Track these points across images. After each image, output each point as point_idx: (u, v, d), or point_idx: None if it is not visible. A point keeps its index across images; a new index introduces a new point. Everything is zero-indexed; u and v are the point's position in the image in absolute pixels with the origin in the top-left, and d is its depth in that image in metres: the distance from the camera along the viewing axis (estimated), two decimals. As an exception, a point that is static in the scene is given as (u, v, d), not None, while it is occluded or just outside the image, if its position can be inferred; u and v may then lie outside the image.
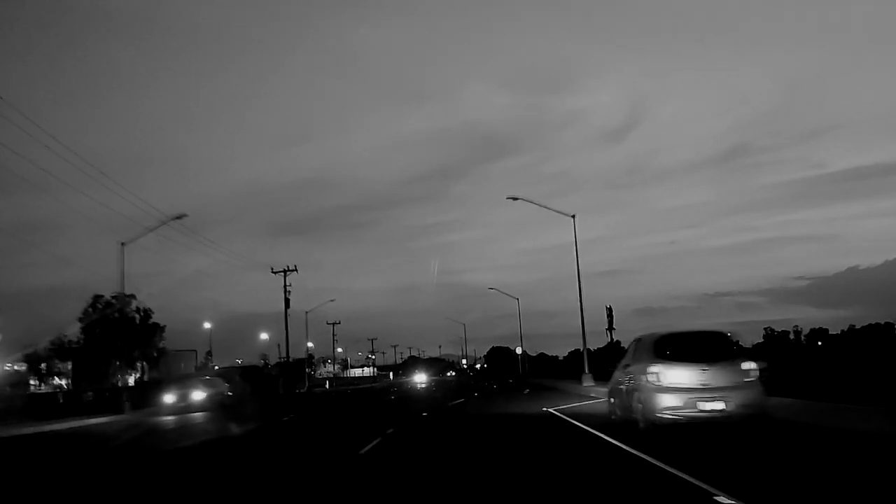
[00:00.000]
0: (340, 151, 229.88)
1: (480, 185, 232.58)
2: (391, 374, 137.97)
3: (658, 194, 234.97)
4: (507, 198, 36.82)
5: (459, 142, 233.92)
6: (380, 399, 38.80)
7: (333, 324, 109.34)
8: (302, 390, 76.13)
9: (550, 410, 21.34)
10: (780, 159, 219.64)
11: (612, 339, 66.85)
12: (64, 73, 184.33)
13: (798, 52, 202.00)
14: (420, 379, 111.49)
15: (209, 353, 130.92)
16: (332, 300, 75.68)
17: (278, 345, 70.97)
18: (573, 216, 36.90)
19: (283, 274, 68.89)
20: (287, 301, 69.06)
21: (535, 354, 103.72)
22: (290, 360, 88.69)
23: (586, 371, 35.60)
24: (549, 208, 37.09)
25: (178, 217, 37.01)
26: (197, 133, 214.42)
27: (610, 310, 52.63)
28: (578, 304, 37.01)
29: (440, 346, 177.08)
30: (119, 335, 71.75)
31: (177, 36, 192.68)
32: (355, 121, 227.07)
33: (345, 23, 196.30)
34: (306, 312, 73.72)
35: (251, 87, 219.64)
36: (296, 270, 69.09)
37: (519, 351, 75.07)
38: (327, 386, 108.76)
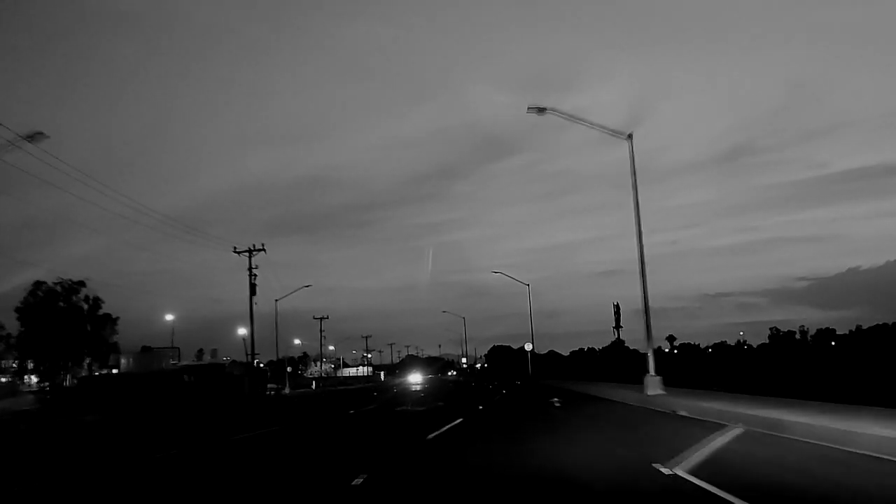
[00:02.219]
0: (343, 151, 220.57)
1: (482, 185, 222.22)
2: (382, 374, 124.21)
3: (659, 194, 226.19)
4: (529, 109, 23.36)
5: (462, 141, 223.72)
6: (342, 411, 25.31)
7: (321, 318, 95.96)
8: (271, 393, 62.62)
9: (693, 478, 7.74)
10: (782, 159, 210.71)
11: (618, 337, 54.80)
12: (63, 72, 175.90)
13: (800, 52, 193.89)
14: (415, 379, 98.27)
15: (200, 351, 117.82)
16: (307, 286, 62.10)
17: (243, 340, 57.45)
18: (629, 135, 23.49)
19: (247, 255, 55.49)
20: (253, 287, 55.62)
21: (542, 353, 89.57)
22: (262, 358, 75.45)
23: (652, 372, 22.08)
24: (597, 126, 23.66)
25: (30, 137, 23.56)
26: (201, 132, 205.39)
27: (617, 307, 44.17)
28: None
29: (440, 346, 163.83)
30: (61, 326, 58.72)
31: (180, 35, 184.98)
32: (359, 120, 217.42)
33: (348, 23, 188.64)
34: (276, 300, 60.20)
35: (256, 87, 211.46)
36: (263, 250, 55.75)
37: (528, 348, 61.54)
38: (313, 387, 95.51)
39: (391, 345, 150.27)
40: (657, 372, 22.13)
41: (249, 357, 57.19)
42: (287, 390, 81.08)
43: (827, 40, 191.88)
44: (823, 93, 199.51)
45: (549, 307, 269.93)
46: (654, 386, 21.79)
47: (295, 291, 60.70)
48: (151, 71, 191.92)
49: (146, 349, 69.48)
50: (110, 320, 65.21)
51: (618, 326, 51.94)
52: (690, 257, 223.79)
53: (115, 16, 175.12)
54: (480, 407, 22.66)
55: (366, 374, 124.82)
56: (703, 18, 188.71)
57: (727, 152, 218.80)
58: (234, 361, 66.86)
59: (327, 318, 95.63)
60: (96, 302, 62.86)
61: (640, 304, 23.03)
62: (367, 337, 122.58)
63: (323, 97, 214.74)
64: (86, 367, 61.70)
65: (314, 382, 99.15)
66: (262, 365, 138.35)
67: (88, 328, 62.33)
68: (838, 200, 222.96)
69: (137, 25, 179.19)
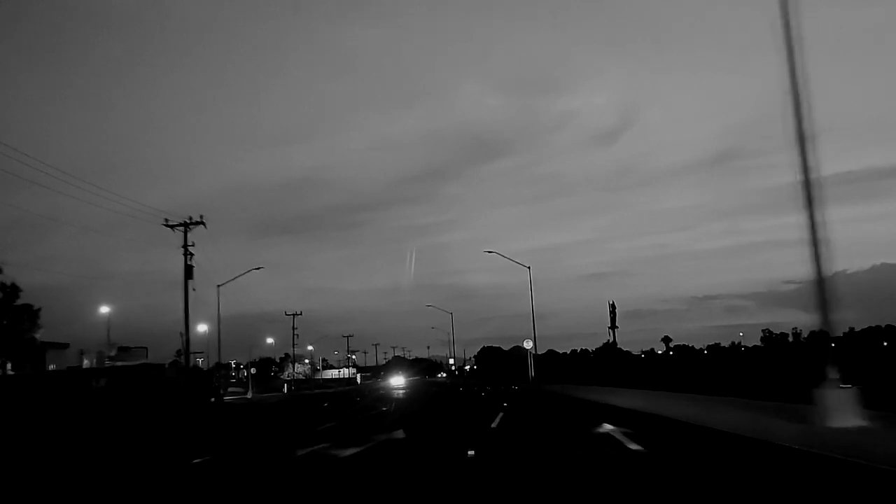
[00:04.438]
0: (333, 151, 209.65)
1: (473, 187, 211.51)
2: (358, 376, 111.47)
3: (649, 197, 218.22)
4: None
5: (452, 143, 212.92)
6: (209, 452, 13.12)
7: (293, 314, 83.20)
8: (213, 399, 49.95)
9: None
10: (770, 163, 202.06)
11: (613, 338, 45.79)
12: (60, 72, 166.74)
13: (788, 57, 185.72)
14: (397, 383, 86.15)
15: (179, 352, 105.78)
16: (257, 268, 49.92)
17: (180, 335, 44.74)
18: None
19: (182, 229, 43.09)
20: (189, 269, 43.26)
21: (539, 353, 76.72)
22: (241, 359, 63.88)
23: (836, 379, 9.94)
24: None
25: None
26: (190, 132, 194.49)
27: (613, 306, 40.92)
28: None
29: (428, 347, 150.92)
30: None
31: (172, 35, 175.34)
32: (348, 121, 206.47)
33: (339, 24, 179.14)
34: (219, 286, 47.82)
35: (245, 87, 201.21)
36: (202, 224, 43.37)
37: (528, 346, 49.48)
38: (285, 390, 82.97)
39: (376, 345, 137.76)
40: (850, 378, 9.96)
41: (184, 356, 44.79)
42: (249, 395, 68.79)
43: (816, 45, 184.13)
44: (811, 97, 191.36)
45: (538, 309, 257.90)
46: (844, 408, 9.67)
47: (243, 275, 48.30)
48: (139, 71, 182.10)
49: (122, 349, 58.27)
50: (30, 312, 52.99)
51: (613, 327, 42.71)
52: (679, 260, 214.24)
53: (104, 15, 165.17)
54: (471, 452, 10.25)
55: (348, 375, 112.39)
56: (693, 22, 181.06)
57: (716, 156, 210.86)
58: (174, 362, 54.22)
59: (300, 314, 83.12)
60: (13, 290, 50.29)
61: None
62: (348, 336, 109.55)
63: (312, 98, 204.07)
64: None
65: (286, 386, 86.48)
66: (241, 366, 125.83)
67: (4, 322, 50.36)
68: (826, 204, 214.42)
69: (126, 25, 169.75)
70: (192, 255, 43.36)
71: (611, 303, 41.61)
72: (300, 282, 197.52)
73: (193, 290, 44.21)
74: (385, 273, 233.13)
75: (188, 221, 43.17)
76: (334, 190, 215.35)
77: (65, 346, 54.10)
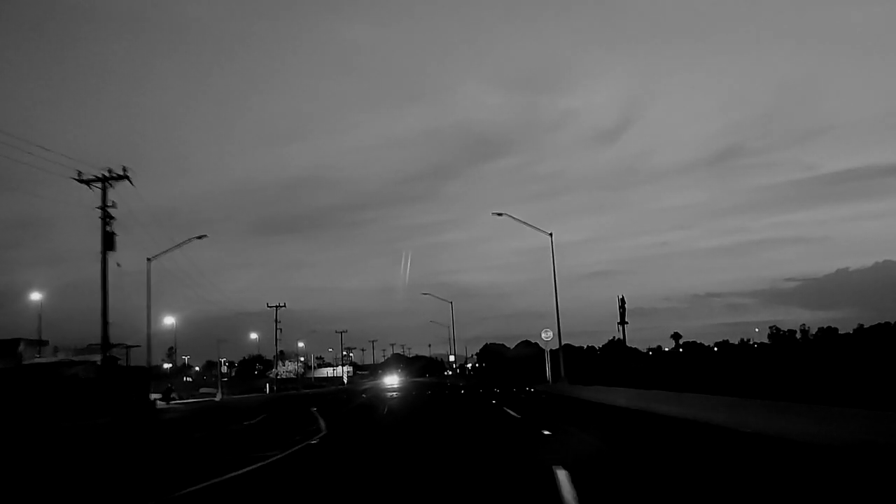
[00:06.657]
0: (334, 150, 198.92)
1: (473, 186, 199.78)
2: (346, 375, 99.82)
3: (650, 195, 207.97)
4: None
5: (453, 142, 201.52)
6: None
7: (277, 306, 71.69)
8: (172, 403, 38.41)
9: None
10: (772, 161, 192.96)
11: (623, 335, 41.76)
12: (57, 70, 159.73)
13: (790, 54, 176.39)
14: (391, 382, 74.99)
15: (172, 350, 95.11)
16: (201, 237, 38.43)
17: (103, 324, 33.16)
18: None
19: (100, 185, 31.61)
20: (109, 237, 31.75)
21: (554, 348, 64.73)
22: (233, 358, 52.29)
23: None
24: None
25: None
26: (190, 131, 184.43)
27: (623, 302, 37.48)
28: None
29: (430, 345, 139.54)
30: None
31: (171, 33, 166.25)
32: (349, 120, 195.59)
33: (340, 22, 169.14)
34: (149, 259, 36.28)
35: (245, 86, 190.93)
36: (126, 178, 31.84)
37: (548, 337, 38.30)
38: (267, 391, 71.69)
39: (373, 342, 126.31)
40: None
41: (105, 348, 33.33)
42: (218, 397, 57.42)
43: (818, 43, 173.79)
44: (813, 95, 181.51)
45: (539, 308, 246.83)
46: None
47: (178, 246, 36.74)
48: (140, 70, 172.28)
49: (113, 346, 46.89)
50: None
51: (623, 322, 38.97)
52: (680, 258, 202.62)
53: (102, 14, 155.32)
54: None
55: (343, 374, 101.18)
56: (694, 20, 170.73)
57: (717, 154, 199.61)
58: (107, 358, 42.40)
59: (283, 305, 71.62)
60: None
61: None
62: (341, 332, 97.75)
63: (313, 97, 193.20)
64: None
65: (268, 386, 74.98)
66: (227, 363, 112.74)
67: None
68: (827, 202, 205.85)
69: (125, 23, 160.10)
70: (112, 218, 31.97)
71: (620, 298, 37.26)
72: (301, 281, 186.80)
73: (118, 265, 32.81)
74: (386, 272, 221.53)
75: (107, 175, 31.69)
76: (335, 189, 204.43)
77: (44, 342, 44.06)
